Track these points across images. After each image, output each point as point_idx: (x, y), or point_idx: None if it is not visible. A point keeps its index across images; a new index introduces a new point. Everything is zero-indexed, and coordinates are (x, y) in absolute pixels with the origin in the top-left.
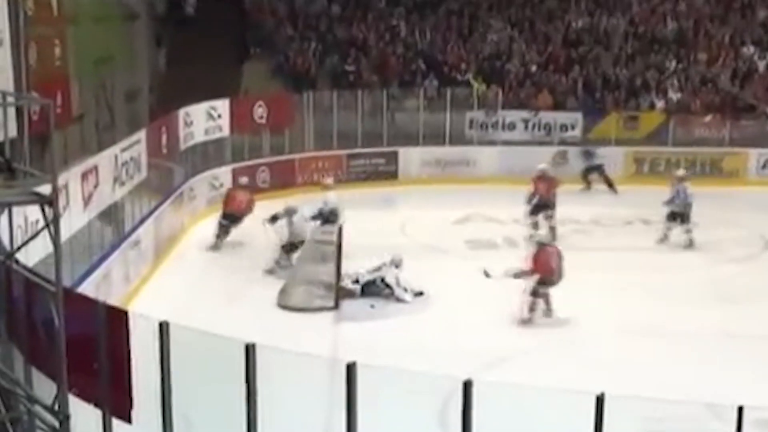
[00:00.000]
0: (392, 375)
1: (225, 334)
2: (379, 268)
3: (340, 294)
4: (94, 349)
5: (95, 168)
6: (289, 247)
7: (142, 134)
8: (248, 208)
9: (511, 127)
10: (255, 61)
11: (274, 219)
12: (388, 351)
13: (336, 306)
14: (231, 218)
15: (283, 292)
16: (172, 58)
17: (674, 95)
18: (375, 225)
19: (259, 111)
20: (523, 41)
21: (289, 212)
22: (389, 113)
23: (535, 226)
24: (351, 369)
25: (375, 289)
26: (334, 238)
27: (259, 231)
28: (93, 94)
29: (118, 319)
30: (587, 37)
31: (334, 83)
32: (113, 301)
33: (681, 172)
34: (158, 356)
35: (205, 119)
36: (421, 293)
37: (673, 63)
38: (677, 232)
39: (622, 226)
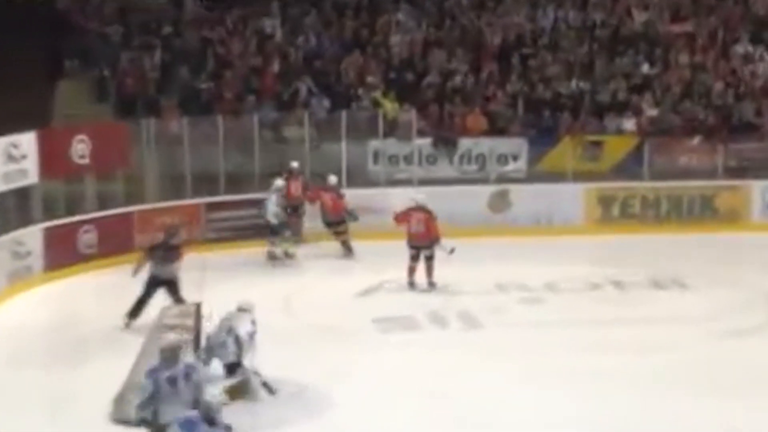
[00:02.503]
0: None
1: None
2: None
3: None
4: None
5: None
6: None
7: None
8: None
9: (431, 160)
10: (73, 78)
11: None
12: None
13: None
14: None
15: (118, 401)
16: None
17: (649, 111)
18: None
19: (80, 147)
20: (443, 44)
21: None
22: (262, 146)
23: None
24: None
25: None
26: (190, 321)
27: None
28: None
29: None
30: (529, 37)
31: (184, 107)
32: None
33: None
34: None
35: (2, 160)
36: (273, 391)
37: (645, 67)
38: None
39: (586, 292)
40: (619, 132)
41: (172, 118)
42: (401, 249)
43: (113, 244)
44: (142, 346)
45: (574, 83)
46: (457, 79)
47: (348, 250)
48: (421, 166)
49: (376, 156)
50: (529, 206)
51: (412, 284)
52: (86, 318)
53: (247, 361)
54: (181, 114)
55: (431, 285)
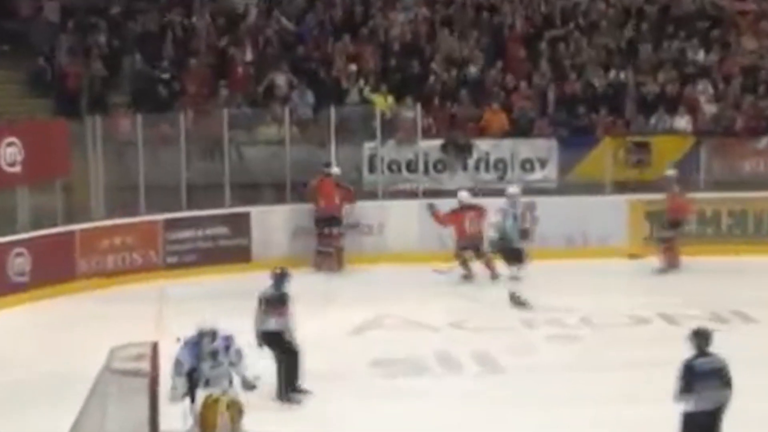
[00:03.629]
0: None
1: None
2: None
3: None
4: None
5: None
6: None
7: None
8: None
9: (440, 166)
10: (1, 67)
11: None
12: None
13: None
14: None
15: None
16: None
17: (706, 107)
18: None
19: (10, 152)
20: (454, 25)
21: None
22: (234, 149)
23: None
24: None
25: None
26: (146, 365)
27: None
28: None
29: None
30: (560, 17)
31: (137, 103)
32: None
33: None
34: None
35: None
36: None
37: (701, 54)
38: None
39: (630, 327)
40: (670, 132)
41: (123, 116)
42: (400, 275)
43: (50, 270)
44: (87, 397)
45: (613, 73)
46: (472, 69)
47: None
48: (428, 175)
49: (372, 162)
50: (561, 223)
51: (469, 276)
52: (17, 361)
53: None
54: (134, 111)
55: (495, 277)
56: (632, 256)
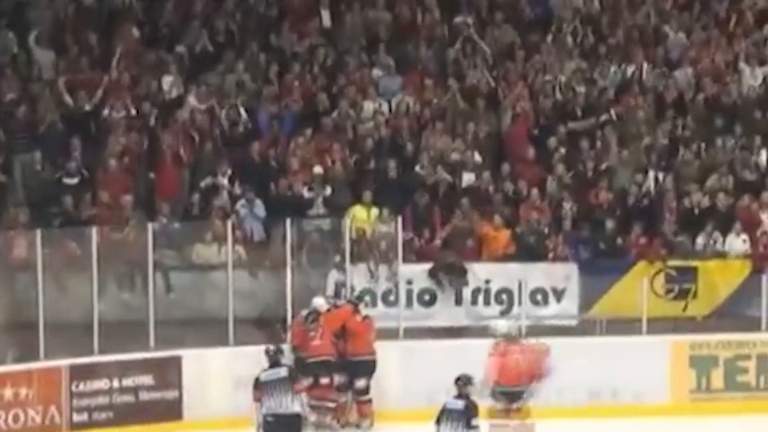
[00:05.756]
0: None
1: None
2: None
3: None
4: None
5: None
6: None
7: None
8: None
9: (427, 298)
10: None
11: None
12: None
13: None
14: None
15: None
16: None
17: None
18: None
19: None
20: (445, 117)
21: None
22: (161, 275)
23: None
24: None
25: None
26: None
27: None
28: None
29: None
30: (582, 104)
31: (36, 214)
32: None
33: None
34: None
35: None
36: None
37: (763, 155)
38: None
39: None
40: (722, 255)
41: (18, 232)
42: None
43: None
44: None
45: (652, 176)
46: (467, 173)
47: None
48: (411, 309)
49: (338, 293)
50: (584, 371)
51: None
52: None
53: None
54: (32, 225)
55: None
56: None
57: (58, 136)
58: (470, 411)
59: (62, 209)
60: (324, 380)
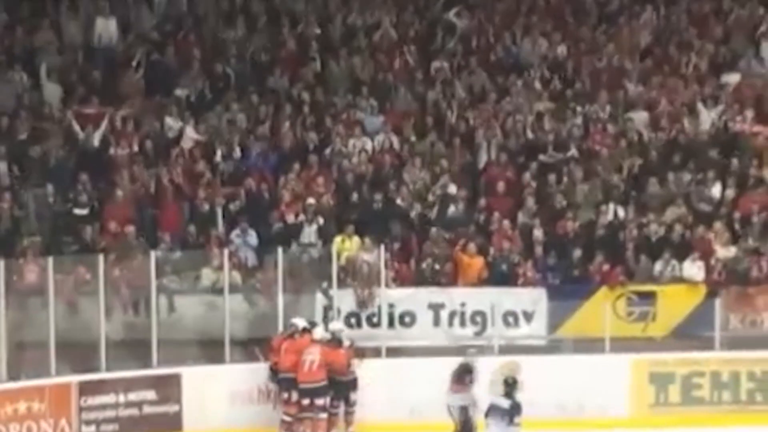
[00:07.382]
0: None
1: None
2: None
3: None
4: None
5: None
6: None
7: None
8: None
9: (407, 319)
10: None
11: None
12: None
13: None
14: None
15: None
16: None
17: (721, 251)
18: None
19: None
20: (425, 155)
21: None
22: (165, 298)
23: None
24: None
25: None
26: None
27: None
28: None
29: None
30: (552, 141)
31: (47, 242)
32: None
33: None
34: None
35: None
36: None
37: (716, 188)
38: None
39: None
40: (679, 281)
41: (32, 259)
42: None
43: None
44: None
45: (612, 209)
46: (445, 205)
47: None
48: (393, 328)
49: (326, 316)
50: (552, 387)
51: None
52: None
53: None
54: (43, 252)
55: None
56: None
57: (68, 172)
58: (514, 410)
59: (73, 238)
60: (285, 395)
